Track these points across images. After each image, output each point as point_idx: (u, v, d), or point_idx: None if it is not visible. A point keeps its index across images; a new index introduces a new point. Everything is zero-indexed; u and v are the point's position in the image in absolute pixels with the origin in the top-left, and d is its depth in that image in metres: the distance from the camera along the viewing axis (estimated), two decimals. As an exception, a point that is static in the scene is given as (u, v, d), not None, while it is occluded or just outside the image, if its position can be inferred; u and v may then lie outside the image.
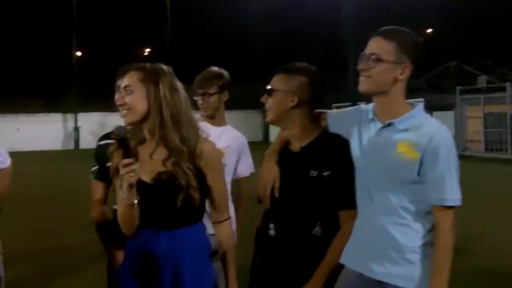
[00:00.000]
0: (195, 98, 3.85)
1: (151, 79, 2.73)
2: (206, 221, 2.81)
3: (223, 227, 2.83)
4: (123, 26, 41.88)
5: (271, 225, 2.88)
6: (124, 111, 2.71)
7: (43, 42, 41.67)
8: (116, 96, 2.86)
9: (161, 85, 2.72)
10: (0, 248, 3.66)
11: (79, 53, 35.06)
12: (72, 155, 17.62)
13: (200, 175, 2.70)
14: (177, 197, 2.66)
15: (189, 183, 2.66)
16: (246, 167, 3.92)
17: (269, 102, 2.82)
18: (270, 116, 2.84)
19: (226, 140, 3.85)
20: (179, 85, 2.77)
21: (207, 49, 37.48)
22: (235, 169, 3.88)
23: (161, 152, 2.70)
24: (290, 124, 2.82)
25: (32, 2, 40.62)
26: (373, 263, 2.52)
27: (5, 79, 36.03)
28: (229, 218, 2.85)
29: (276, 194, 2.85)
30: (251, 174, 3.94)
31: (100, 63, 38.18)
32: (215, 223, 2.82)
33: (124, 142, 2.58)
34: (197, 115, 3.99)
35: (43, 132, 27.32)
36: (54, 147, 27.20)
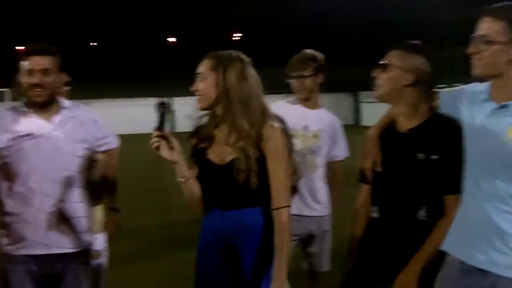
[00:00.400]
0: (289, 81, 3.86)
1: (221, 66, 2.85)
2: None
3: (279, 214, 2.86)
4: (215, 11, 42.42)
5: (375, 208, 2.86)
6: (198, 97, 2.87)
7: (141, 30, 42.93)
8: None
9: (229, 72, 2.83)
10: (103, 226, 3.84)
11: (173, 39, 35.90)
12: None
13: (263, 160, 2.80)
14: (238, 179, 2.80)
15: (249, 166, 2.78)
16: (340, 150, 3.92)
17: (382, 77, 2.75)
18: (381, 91, 2.76)
19: (320, 122, 3.86)
20: (250, 71, 2.87)
21: (299, 32, 37.36)
22: (329, 152, 3.88)
23: (233, 136, 2.82)
24: (401, 102, 2.75)
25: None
26: (475, 251, 2.43)
27: (113, 66, 37.44)
28: (286, 206, 2.87)
29: (379, 169, 2.81)
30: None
31: (195, 48, 38.98)
32: (274, 209, 2.87)
33: (162, 112, 2.81)
34: (290, 98, 4.03)
35: (141, 115, 28.21)
36: (151, 130, 27.91)
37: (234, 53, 2.95)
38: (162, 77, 29.24)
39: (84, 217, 3.46)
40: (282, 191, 2.89)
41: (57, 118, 3.37)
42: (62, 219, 3.38)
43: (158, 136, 2.77)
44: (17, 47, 42.44)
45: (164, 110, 2.90)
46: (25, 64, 3.31)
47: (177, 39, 38.75)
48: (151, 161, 7.22)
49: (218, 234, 2.91)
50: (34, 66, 3.29)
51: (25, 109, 3.35)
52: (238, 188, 2.84)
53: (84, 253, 3.50)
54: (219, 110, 2.85)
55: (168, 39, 29.71)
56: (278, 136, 2.85)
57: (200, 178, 2.94)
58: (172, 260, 6.44)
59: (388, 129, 2.84)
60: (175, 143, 2.81)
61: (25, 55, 3.34)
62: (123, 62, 40.36)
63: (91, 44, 47.75)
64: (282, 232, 2.87)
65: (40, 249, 3.34)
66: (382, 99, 2.79)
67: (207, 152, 2.91)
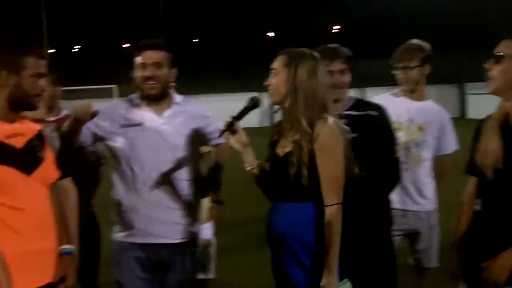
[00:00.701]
0: (394, 72, 3.78)
1: (293, 63, 2.93)
2: None
3: (328, 211, 2.88)
4: (313, 4, 42.24)
5: (478, 200, 2.76)
6: (270, 92, 2.97)
7: (239, 26, 43.51)
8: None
9: (300, 69, 2.91)
10: (210, 217, 3.93)
11: (271, 34, 36.11)
12: (266, 131, 18.35)
13: (314, 156, 2.85)
14: (289, 173, 2.88)
15: (301, 161, 2.84)
16: (449, 144, 3.78)
17: (496, 69, 2.62)
18: (495, 85, 2.62)
19: (426, 115, 3.74)
20: (321, 69, 2.94)
21: (401, 23, 36.57)
22: (437, 145, 3.76)
23: (292, 130, 2.92)
24: None
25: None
26: None
27: (214, 62, 38.21)
28: (336, 204, 2.88)
29: (499, 166, 2.69)
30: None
31: (293, 42, 39.08)
32: (325, 206, 2.89)
33: (248, 106, 3.05)
34: (395, 90, 3.94)
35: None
36: (251, 124, 28.30)
37: (307, 50, 3.02)
38: (261, 71, 29.63)
39: (192, 208, 3.57)
40: (331, 188, 2.89)
41: (167, 113, 3.48)
42: (170, 210, 3.50)
43: (229, 123, 2.95)
44: (123, 45, 44.26)
45: (251, 105, 3.06)
46: (138, 58, 3.45)
47: (275, 34, 38.95)
48: (257, 155, 7.31)
49: (270, 226, 2.99)
50: (147, 60, 3.42)
51: (138, 101, 3.49)
52: (289, 181, 2.89)
53: (191, 243, 3.61)
54: (285, 105, 2.93)
55: (267, 34, 29.95)
56: (329, 132, 2.86)
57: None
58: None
59: (502, 123, 2.74)
60: (243, 134, 3.01)
61: (138, 50, 3.47)
62: (223, 57, 41.08)
63: (193, 40, 48.89)
64: (330, 229, 2.87)
65: (148, 238, 3.48)
66: (496, 93, 2.66)
67: (277, 145, 3.00)
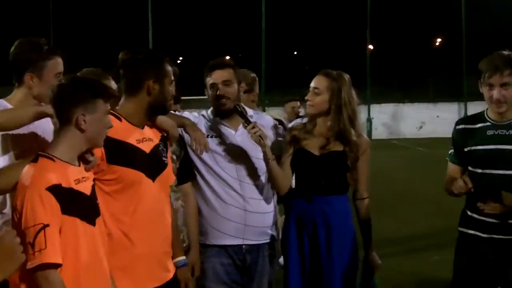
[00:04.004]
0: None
1: (336, 86, 3.62)
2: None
3: (367, 202, 3.81)
4: (415, 17, 41.52)
5: None
6: (309, 106, 3.69)
7: (339, 37, 43.41)
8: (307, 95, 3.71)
9: (343, 92, 3.61)
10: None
11: (371, 46, 35.83)
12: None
13: (356, 160, 3.67)
14: (342, 169, 3.66)
15: (352, 164, 3.64)
16: None
17: None
18: None
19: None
20: (354, 93, 3.68)
21: (502, 36, 35.27)
22: None
23: (332, 136, 3.65)
24: None
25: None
26: None
27: (304, 73, 38.28)
28: (368, 197, 3.80)
29: None
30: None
31: (393, 55, 38.54)
32: (358, 199, 3.81)
33: (239, 112, 3.60)
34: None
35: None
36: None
37: (342, 73, 3.69)
38: (359, 84, 29.38)
39: (271, 212, 3.80)
40: (367, 185, 3.82)
41: (240, 126, 3.69)
42: (251, 214, 3.72)
43: (253, 127, 3.49)
44: (226, 58, 45.22)
45: (239, 110, 3.59)
46: (208, 79, 3.73)
47: (374, 47, 38.59)
48: (410, 165, 7.42)
49: (307, 217, 3.64)
50: (216, 79, 3.70)
51: (213, 116, 3.74)
52: (341, 176, 3.67)
53: (270, 246, 3.83)
54: (329, 121, 3.65)
55: (367, 47, 29.77)
56: (369, 143, 3.75)
57: (295, 165, 3.70)
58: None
59: None
60: (260, 130, 3.51)
61: (208, 70, 3.75)
62: (321, 69, 41.04)
63: (294, 53, 49.25)
64: (369, 216, 3.80)
65: (232, 240, 3.70)
66: None
67: (303, 144, 3.66)
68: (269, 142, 3.69)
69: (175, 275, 3.16)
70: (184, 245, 3.62)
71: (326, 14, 43.19)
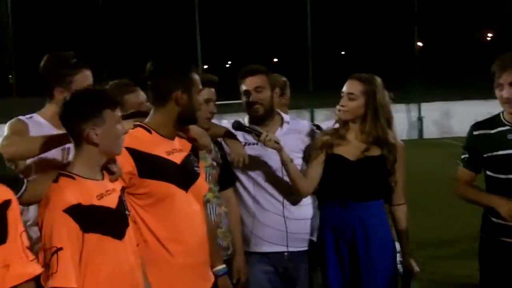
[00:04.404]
0: None
1: (371, 90, 3.58)
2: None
3: (404, 208, 3.77)
4: (464, 12, 40.73)
5: None
6: (344, 112, 3.61)
7: (386, 35, 42.96)
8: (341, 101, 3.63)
9: (378, 95, 3.57)
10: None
11: (420, 44, 35.33)
12: (416, 144, 17.96)
13: (395, 162, 3.63)
14: (378, 175, 3.62)
15: (392, 167, 3.62)
16: None
17: None
18: None
19: None
20: (387, 95, 3.64)
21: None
22: None
23: (370, 141, 3.60)
24: None
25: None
26: None
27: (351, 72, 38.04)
28: (405, 203, 3.76)
29: None
30: None
31: (443, 52, 37.91)
32: (395, 205, 3.76)
33: (242, 129, 3.62)
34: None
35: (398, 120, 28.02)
36: (399, 136, 27.58)
37: (374, 75, 3.64)
38: (409, 82, 28.94)
39: (312, 218, 3.80)
40: (404, 191, 3.77)
41: (278, 132, 3.73)
42: (292, 220, 3.74)
43: (267, 135, 3.46)
44: (274, 60, 45.48)
45: (241, 128, 3.60)
46: (242, 86, 3.75)
47: (423, 43, 38.01)
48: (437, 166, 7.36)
49: (345, 224, 3.61)
50: (248, 86, 3.73)
51: (248, 123, 3.78)
52: (368, 182, 3.62)
53: (310, 252, 3.82)
54: (365, 125, 3.60)
55: (415, 44, 29.34)
56: (404, 147, 3.74)
57: (329, 171, 3.65)
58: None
59: None
60: (274, 136, 3.51)
61: (241, 77, 3.78)
62: (369, 68, 40.71)
63: (341, 53, 49.00)
64: (407, 222, 3.74)
65: (273, 247, 3.72)
66: None
67: (336, 150, 3.61)
68: (302, 146, 3.77)
69: (215, 283, 3.16)
70: (229, 252, 3.63)
71: (373, 13, 42.79)
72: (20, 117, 3.21)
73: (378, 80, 3.64)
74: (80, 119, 2.55)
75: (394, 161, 3.62)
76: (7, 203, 2.19)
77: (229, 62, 42.80)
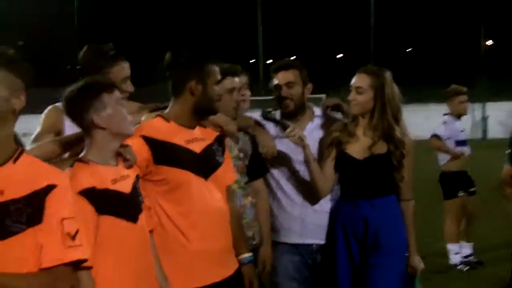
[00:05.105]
0: None
1: (379, 84, 3.51)
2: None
3: (412, 204, 3.72)
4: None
5: None
6: (354, 105, 3.58)
7: (453, 33, 42.06)
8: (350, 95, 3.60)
9: (386, 89, 3.50)
10: None
11: (489, 42, 34.44)
12: (480, 144, 17.57)
13: (402, 157, 3.57)
14: (386, 172, 3.58)
15: (399, 163, 3.56)
16: None
17: None
18: None
19: None
20: (397, 89, 3.57)
21: None
22: None
23: (377, 136, 3.56)
24: None
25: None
26: None
27: (415, 70, 37.47)
28: (412, 199, 3.71)
29: None
30: None
31: (510, 51, 36.84)
32: (403, 200, 3.70)
33: (271, 119, 3.72)
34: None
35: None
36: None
37: (383, 69, 3.59)
38: (474, 81, 28.29)
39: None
40: (411, 187, 3.71)
41: (309, 126, 3.73)
42: (321, 213, 3.79)
43: (293, 130, 3.49)
44: (337, 56, 45.23)
45: (271, 118, 3.69)
46: (273, 80, 3.75)
47: (494, 42, 37.02)
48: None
49: (355, 221, 3.59)
50: (279, 81, 3.77)
51: (280, 118, 3.84)
52: (376, 179, 3.60)
53: None
54: (372, 120, 3.55)
55: (482, 43, 28.62)
56: (413, 143, 3.65)
57: (338, 169, 3.64)
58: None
59: None
60: (301, 132, 3.53)
61: (273, 71, 3.78)
62: (436, 67, 39.92)
63: (407, 50, 48.28)
64: (414, 218, 3.69)
65: (302, 239, 3.78)
66: None
67: (345, 147, 3.60)
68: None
69: (237, 271, 3.15)
70: (255, 242, 3.62)
71: (441, 10, 41.95)
72: (57, 104, 3.24)
73: (387, 73, 3.59)
74: (82, 109, 2.62)
75: (401, 157, 3.57)
76: (50, 187, 2.19)
77: (293, 57, 42.84)
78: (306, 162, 3.59)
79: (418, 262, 3.69)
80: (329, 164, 3.66)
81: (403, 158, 3.57)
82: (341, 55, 44.26)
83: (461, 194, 6.92)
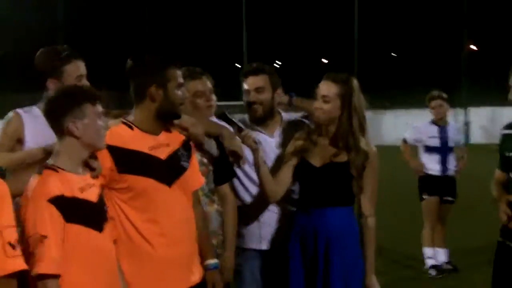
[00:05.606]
0: None
1: (346, 93, 3.41)
2: None
3: (372, 220, 3.52)
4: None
5: None
6: (318, 114, 3.46)
7: (434, 37, 42.38)
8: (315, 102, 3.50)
9: (353, 97, 3.40)
10: None
11: (472, 47, 34.69)
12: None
13: (363, 169, 3.43)
14: (343, 181, 3.44)
15: (358, 173, 3.42)
16: None
17: None
18: None
19: None
20: (363, 98, 3.46)
21: None
22: None
23: (340, 146, 3.45)
24: None
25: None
26: None
27: (399, 74, 37.72)
28: (372, 215, 3.52)
29: None
30: None
31: (492, 55, 37.17)
32: (362, 216, 3.51)
33: (227, 120, 3.57)
34: None
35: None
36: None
37: (351, 76, 3.48)
38: (456, 86, 28.45)
39: None
40: (373, 202, 3.54)
41: (277, 131, 3.76)
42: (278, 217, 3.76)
43: (247, 133, 3.43)
44: (322, 60, 45.41)
45: (228, 118, 3.57)
46: (243, 84, 3.74)
47: (477, 46, 37.33)
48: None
49: (319, 227, 3.44)
50: (249, 86, 3.73)
51: (249, 123, 3.81)
52: (346, 187, 3.46)
53: None
54: (338, 129, 3.44)
55: (464, 47, 28.85)
56: (377, 154, 3.51)
57: (297, 177, 3.54)
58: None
59: None
60: (254, 136, 3.46)
61: (243, 76, 3.77)
62: (419, 71, 40.21)
63: (392, 54, 48.58)
64: (373, 235, 3.52)
65: (269, 245, 3.75)
66: None
67: (306, 155, 3.49)
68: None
69: (204, 278, 3.15)
70: (219, 251, 3.52)
71: (423, 14, 42.28)
72: (18, 110, 3.31)
73: (355, 82, 3.47)
74: (61, 113, 2.63)
75: (362, 167, 3.43)
76: None
77: (279, 63, 42.90)
78: (256, 165, 3.49)
79: (374, 283, 3.50)
80: (286, 169, 3.54)
81: (364, 169, 3.44)
82: (325, 60, 44.44)
83: (425, 197, 6.94)
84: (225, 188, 3.57)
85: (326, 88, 3.44)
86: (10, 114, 3.29)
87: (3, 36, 27.86)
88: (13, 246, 2.23)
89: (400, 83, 34.09)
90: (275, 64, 43.44)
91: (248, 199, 3.77)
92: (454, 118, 29.17)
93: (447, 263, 6.86)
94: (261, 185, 3.55)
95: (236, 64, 32.27)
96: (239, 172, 3.72)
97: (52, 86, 3.24)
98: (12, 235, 2.22)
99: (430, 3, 40.68)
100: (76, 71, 3.28)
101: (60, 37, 25.68)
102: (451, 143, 7.02)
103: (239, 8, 27.46)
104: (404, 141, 7.26)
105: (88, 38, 33.30)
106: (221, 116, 3.63)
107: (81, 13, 33.50)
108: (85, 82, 3.27)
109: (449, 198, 6.97)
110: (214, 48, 39.64)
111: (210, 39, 40.61)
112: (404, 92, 29.94)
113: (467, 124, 28.11)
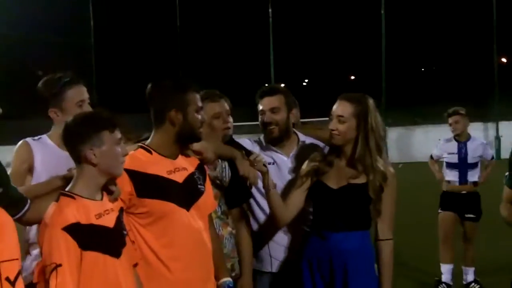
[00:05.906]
0: None
1: (362, 113, 3.32)
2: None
3: (389, 245, 3.41)
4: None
5: None
6: (334, 136, 3.35)
7: (464, 51, 42.05)
8: (331, 123, 3.40)
9: (370, 118, 3.31)
10: None
11: (503, 60, 34.27)
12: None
13: (381, 191, 3.32)
14: (361, 204, 3.34)
15: (377, 195, 3.31)
16: None
17: None
18: None
19: None
20: (379, 117, 3.38)
21: None
22: None
23: (358, 167, 3.33)
24: None
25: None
26: None
27: (429, 89, 37.41)
28: (391, 239, 3.40)
29: None
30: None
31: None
32: (380, 240, 3.41)
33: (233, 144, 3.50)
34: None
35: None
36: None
37: (366, 96, 3.40)
38: (487, 100, 28.08)
39: None
40: (391, 225, 3.43)
41: (292, 152, 3.74)
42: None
43: (256, 156, 3.35)
44: (351, 77, 45.34)
45: (233, 143, 3.55)
46: (259, 105, 3.74)
47: (507, 59, 36.89)
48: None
49: (322, 256, 3.35)
50: (264, 106, 3.72)
51: (265, 143, 3.81)
52: (350, 211, 3.35)
53: None
54: (354, 147, 3.33)
55: (495, 59, 28.52)
56: (394, 175, 3.38)
57: (312, 199, 3.45)
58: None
59: None
60: (264, 159, 3.38)
61: (259, 96, 3.76)
62: (449, 86, 39.87)
63: (421, 69, 48.36)
64: (391, 260, 3.40)
65: (288, 267, 3.69)
66: None
67: (322, 178, 3.39)
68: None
69: None
70: (234, 274, 3.48)
71: (450, 28, 42.01)
72: (28, 139, 3.32)
73: (371, 101, 3.38)
74: (79, 140, 2.63)
75: (380, 189, 3.32)
76: None
77: (306, 80, 42.90)
78: (265, 188, 3.43)
79: None
80: (298, 193, 3.47)
81: (382, 190, 3.33)
82: (353, 77, 44.37)
83: (439, 211, 6.87)
84: (238, 211, 3.57)
85: (341, 108, 3.35)
86: (20, 144, 3.32)
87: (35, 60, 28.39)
88: (10, 282, 2.19)
89: (430, 98, 33.78)
90: (303, 83, 43.53)
91: (262, 218, 3.76)
92: (485, 132, 28.85)
93: (474, 281, 6.71)
94: (270, 209, 3.51)
95: (265, 84, 32.37)
96: (255, 192, 3.72)
97: (53, 116, 3.27)
98: (11, 269, 2.19)
99: (459, 17, 40.41)
100: (77, 96, 3.28)
101: (89, 59, 26.08)
102: (470, 160, 6.88)
103: (266, 28, 27.63)
104: (431, 157, 7.29)
105: (120, 61, 33.77)
106: (229, 141, 3.62)
107: (113, 35, 34.03)
108: (87, 108, 3.28)
109: (471, 216, 6.78)
110: (242, 69, 39.83)
111: (238, 60, 40.84)
112: (435, 108, 29.65)
113: (498, 138, 27.75)
